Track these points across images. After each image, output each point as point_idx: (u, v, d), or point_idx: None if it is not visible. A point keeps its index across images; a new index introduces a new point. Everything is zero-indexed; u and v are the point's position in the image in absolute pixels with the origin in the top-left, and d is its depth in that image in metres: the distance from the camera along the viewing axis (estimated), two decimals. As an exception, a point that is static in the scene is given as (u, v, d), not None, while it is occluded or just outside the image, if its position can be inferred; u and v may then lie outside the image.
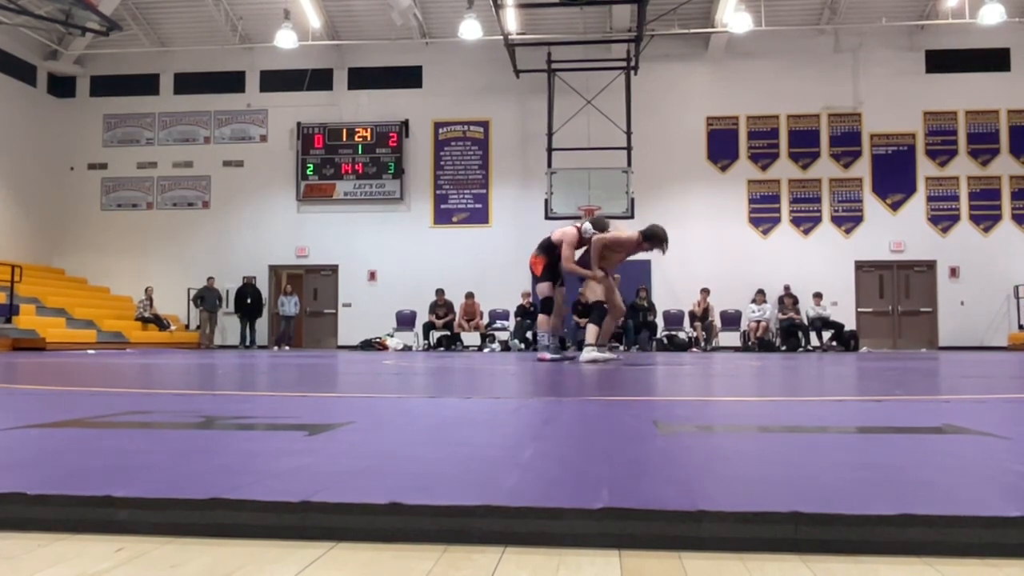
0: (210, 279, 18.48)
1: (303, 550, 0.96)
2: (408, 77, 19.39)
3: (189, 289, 18.79)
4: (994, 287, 17.75)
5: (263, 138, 19.67)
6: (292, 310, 18.23)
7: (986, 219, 18.10)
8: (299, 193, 19.29)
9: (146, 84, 19.95)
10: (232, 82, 19.76)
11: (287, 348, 17.41)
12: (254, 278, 18.72)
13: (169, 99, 19.95)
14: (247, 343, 18.10)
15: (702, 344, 16.46)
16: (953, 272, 18.06)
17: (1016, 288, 17.67)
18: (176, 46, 19.45)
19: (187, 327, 18.88)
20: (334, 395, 3.45)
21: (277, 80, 19.56)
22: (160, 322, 17.93)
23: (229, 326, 18.80)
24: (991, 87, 18.14)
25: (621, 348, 15.32)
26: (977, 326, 17.78)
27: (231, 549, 0.97)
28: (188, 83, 19.90)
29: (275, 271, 19.55)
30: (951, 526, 0.93)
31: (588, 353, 7.31)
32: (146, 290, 18.21)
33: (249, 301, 18.25)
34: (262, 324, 18.76)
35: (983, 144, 18.22)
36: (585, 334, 7.63)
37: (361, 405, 2.82)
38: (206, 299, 18.28)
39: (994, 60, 18.16)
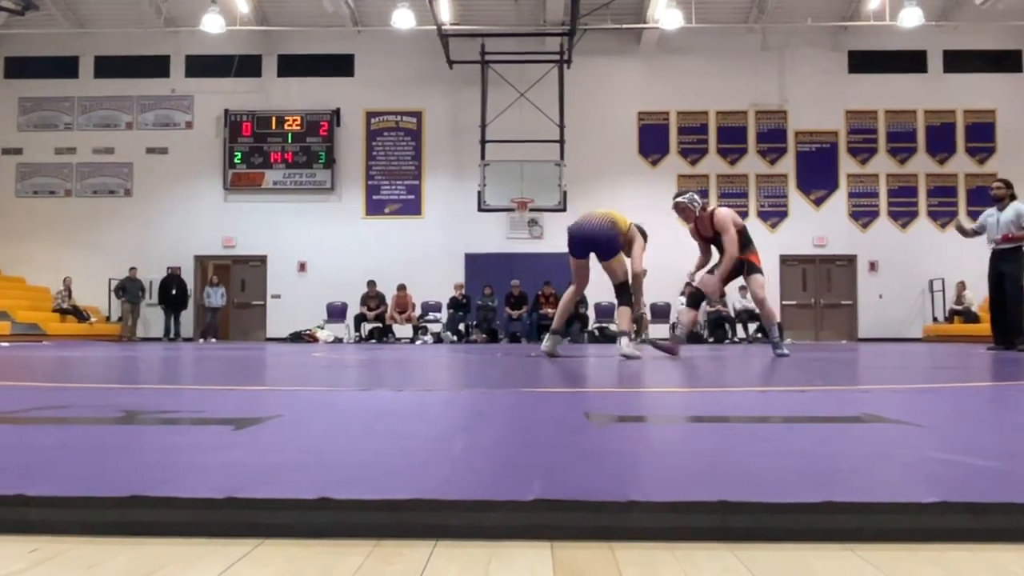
0: (132, 269, 17.93)
1: (228, 547, 0.93)
2: (340, 65, 19.12)
3: (110, 280, 18.20)
4: (910, 281, 18.44)
5: (188, 125, 19.15)
6: (218, 302, 17.83)
7: (904, 215, 18.77)
8: (226, 182, 18.85)
9: (65, 67, 19.21)
10: (156, 66, 19.17)
11: (213, 340, 17.02)
12: (179, 268, 18.23)
13: (89, 83, 19.25)
14: (171, 335, 17.63)
15: (632, 336, 16.65)
16: (872, 266, 18.70)
17: (931, 282, 18.39)
18: (96, 28, 18.74)
19: (108, 319, 18.30)
20: (262, 388, 3.38)
21: (203, 65, 19.05)
22: (79, 314, 17.34)
23: (152, 318, 18.27)
24: (909, 88, 18.81)
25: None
26: (894, 318, 18.45)
27: (152, 548, 0.94)
28: (109, 66, 19.23)
29: (201, 261, 19.08)
30: (872, 512, 0.96)
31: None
32: (64, 280, 17.58)
33: (174, 292, 17.77)
34: (187, 316, 18.28)
35: (901, 143, 18.89)
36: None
37: (289, 398, 2.77)
38: (128, 290, 17.73)
39: (913, 62, 18.82)
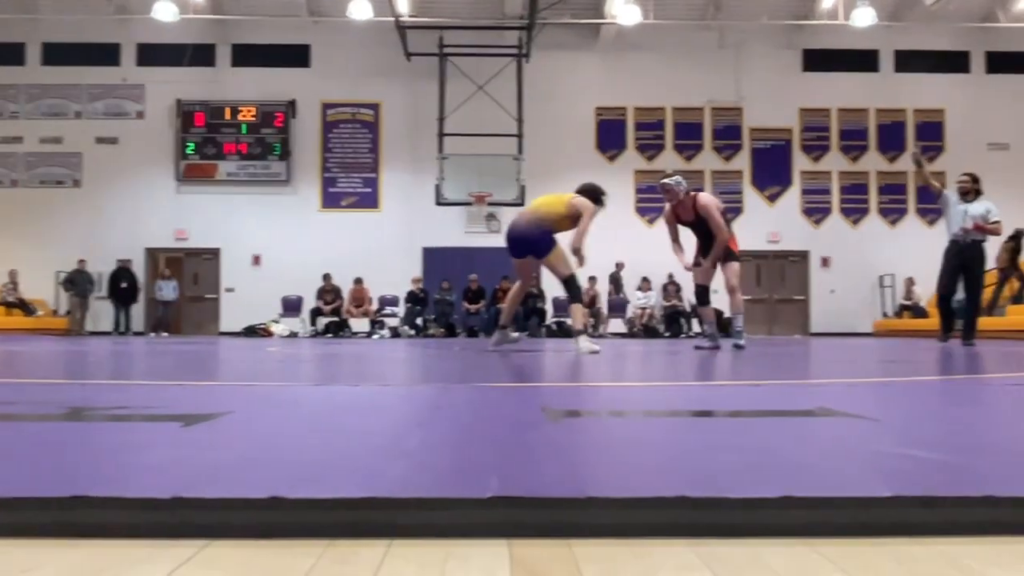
0: (81, 262, 17.52)
1: (174, 549, 0.90)
2: (295, 56, 18.87)
3: (58, 272, 17.78)
4: (861, 277, 18.81)
5: (140, 114, 18.76)
6: (170, 295, 17.51)
7: (855, 212, 19.13)
8: (178, 173, 18.52)
9: (10, 53, 18.67)
10: (106, 54, 18.74)
11: (165, 335, 16.72)
12: (129, 261, 17.85)
13: (36, 70, 18.75)
14: (121, 329, 17.28)
15: (589, 330, 16.75)
16: (824, 262, 19.03)
17: (881, 278, 18.78)
18: (44, 14, 18.26)
19: (56, 312, 17.88)
20: (213, 383, 3.32)
21: (155, 54, 18.67)
22: (26, 307, 16.92)
23: (102, 311, 17.89)
24: (862, 87, 19.16)
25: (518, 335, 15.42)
26: (845, 313, 18.80)
27: (94, 550, 0.90)
28: (57, 54, 18.74)
29: (152, 254, 18.72)
30: (829, 507, 0.96)
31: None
32: (10, 273, 17.13)
33: (124, 285, 17.41)
34: (138, 310, 17.92)
35: (853, 141, 19.24)
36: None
37: (242, 394, 2.72)
38: (77, 283, 17.33)
39: (865, 61, 19.17)
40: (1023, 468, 1.23)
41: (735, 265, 7.05)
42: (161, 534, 0.94)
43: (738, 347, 6.74)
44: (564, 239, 6.53)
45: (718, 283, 7.20)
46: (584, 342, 6.13)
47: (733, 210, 18.86)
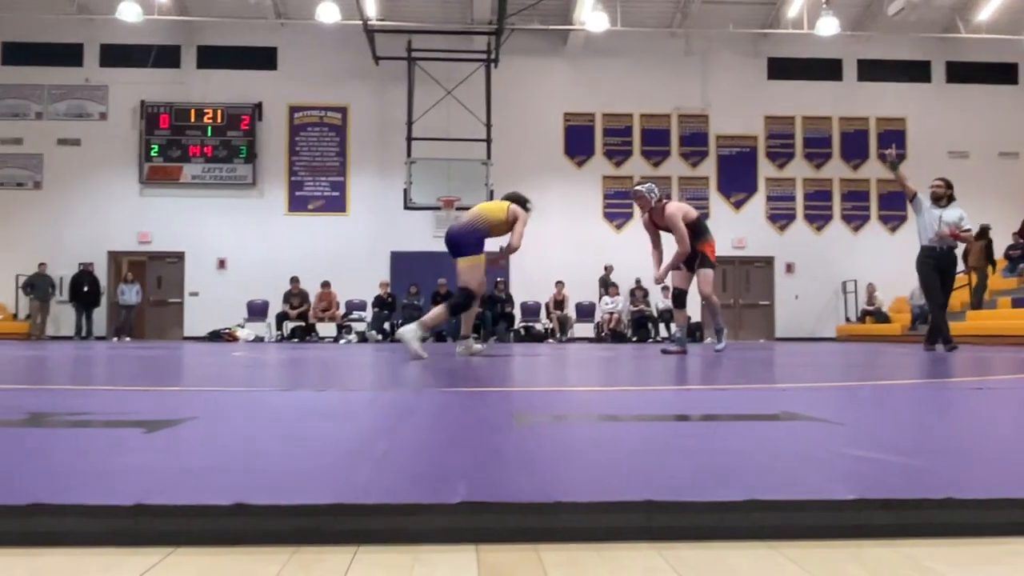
0: (42, 265, 17.21)
1: (137, 557, 0.89)
2: (262, 58, 18.72)
3: (18, 276, 17.44)
4: (824, 282, 19.07)
5: (103, 116, 18.48)
6: (133, 299, 17.25)
7: (819, 219, 19.39)
8: (142, 175, 18.26)
9: (-31, 52, 18.33)
10: (69, 55, 18.44)
11: (127, 339, 16.46)
12: (91, 265, 17.58)
13: (-4, 70, 18.41)
14: (83, 334, 16.99)
15: (558, 335, 16.80)
16: (789, 268, 19.26)
17: (844, 284, 19.05)
18: (5, 12, 17.92)
19: (15, 317, 17.53)
20: (177, 389, 3.28)
21: (119, 55, 18.41)
22: (-17, 311, 16.56)
23: (63, 316, 17.58)
24: (825, 95, 19.45)
25: (480, 342, 15.37)
26: (809, 318, 19.04)
27: (54, 559, 0.89)
28: (18, 53, 18.42)
29: (115, 257, 18.44)
30: (794, 510, 0.97)
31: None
32: (-33, 276, 16.76)
33: (86, 289, 17.13)
34: (100, 314, 17.63)
35: (817, 148, 19.51)
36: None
37: (206, 399, 2.68)
38: (37, 286, 17.02)
39: (829, 70, 19.47)
40: (981, 471, 1.25)
41: (709, 273, 7.13)
42: (123, 542, 0.93)
43: (719, 351, 6.81)
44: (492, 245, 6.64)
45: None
46: (409, 333, 5.93)
47: (700, 216, 19.04)
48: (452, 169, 16.42)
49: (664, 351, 7.37)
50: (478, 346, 7.06)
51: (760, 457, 1.35)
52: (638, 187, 7.21)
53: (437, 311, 6.25)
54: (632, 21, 18.21)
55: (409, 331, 5.95)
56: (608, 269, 17.64)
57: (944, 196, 8.21)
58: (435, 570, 0.86)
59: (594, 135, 19.18)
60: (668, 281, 7.37)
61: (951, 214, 8.07)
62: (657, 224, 7.27)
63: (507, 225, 6.50)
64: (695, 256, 7.15)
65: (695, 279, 7.17)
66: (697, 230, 7.14)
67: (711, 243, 7.24)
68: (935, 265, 8.16)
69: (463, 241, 6.40)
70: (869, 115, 19.56)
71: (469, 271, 6.36)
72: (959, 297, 16.47)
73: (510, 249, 6.57)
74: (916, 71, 19.65)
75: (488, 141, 16.81)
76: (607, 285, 17.39)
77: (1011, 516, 0.98)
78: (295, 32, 18.54)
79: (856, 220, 19.40)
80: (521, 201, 6.70)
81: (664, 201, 7.19)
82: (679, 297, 7.28)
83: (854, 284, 18.88)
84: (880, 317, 17.75)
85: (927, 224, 8.18)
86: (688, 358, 6.37)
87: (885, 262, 18.74)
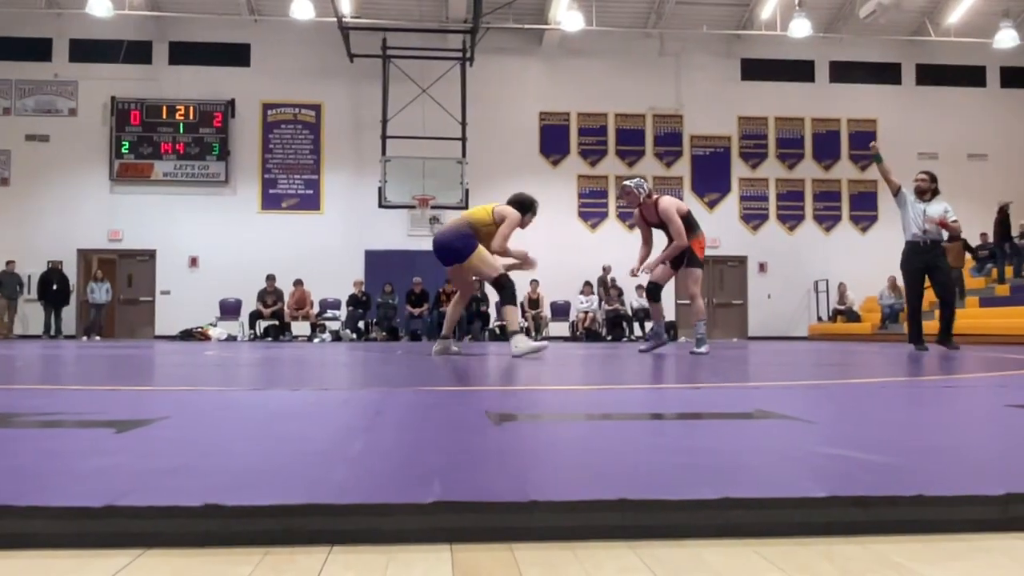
0: (10, 263, 16.94)
1: (106, 559, 0.88)
2: (235, 55, 18.56)
3: (-16, 274, 17.16)
4: (797, 282, 19.26)
5: (72, 112, 18.23)
6: (103, 297, 17.03)
7: (791, 219, 19.58)
8: (113, 172, 18.04)
9: (-67, 46, 18.00)
10: (38, 49, 18.16)
11: (97, 338, 16.26)
12: (60, 263, 17.34)
13: (-39, 64, 18.10)
14: (52, 333, 16.76)
15: (533, 334, 16.81)
16: (761, 267, 19.42)
17: (816, 283, 19.25)
18: (-30, 6, 17.64)
19: (-19, 315, 17.24)
20: (148, 388, 3.24)
21: (89, 50, 18.16)
22: (-51, 310, 16.28)
23: (31, 314, 17.32)
24: (798, 96, 19.64)
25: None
26: (782, 317, 19.22)
27: (20, 562, 0.87)
28: (-15, 48, 18.13)
29: (84, 255, 18.20)
30: (767, 508, 0.98)
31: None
32: (-66, 274, 16.46)
33: (55, 287, 16.89)
34: (69, 312, 17.40)
35: (790, 149, 19.70)
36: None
37: (178, 399, 2.66)
38: (5, 285, 16.74)
39: (801, 71, 19.66)
40: (951, 468, 1.26)
41: (696, 272, 7.00)
42: (93, 544, 0.92)
43: (696, 354, 6.58)
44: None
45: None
46: (521, 341, 6.02)
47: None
48: (427, 168, 16.38)
49: (641, 350, 7.31)
50: (455, 347, 7.03)
51: (734, 455, 1.36)
52: (626, 183, 7.07)
53: (510, 311, 6.26)
54: (607, 21, 18.27)
55: (518, 342, 5.99)
56: (607, 270, 17.62)
57: (928, 190, 8.06)
58: (409, 570, 0.85)
59: (569, 134, 19.23)
60: (642, 277, 7.24)
61: (935, 208, 7.94)
62: (648, 220, 7.12)
63: (495, 227, 6.34)
64: (682, 254, 7.00)
65: (682, 278, 7.06)
66: (688, 225, 7.00)
67: (700, 239, 7.09)
68: (920, 262, 7.95)
69: (452, 246, 6.29)
70: (841, 116, 19.78)
71: (481, 266, 6.30)
72: (928, 297, 16.71)
73: (497, 253, 6.34)
74: (887, 73, 19.90)
75: (463, 140, 16.80)
76: (607, 286, 17.32)
77: (979, 513, 1.00)
78: (268, 29, 18.40)
79: (828, 220, 19.60)
80: (520, 202, 6.50)
81: (655, 196, 7.05)
82: (654, 291, 7.15)
83: (825, 283, 19.08)
84: (851, 316, 17.97)
85: (911, 219, 8.01)
86: (663, 356, 6.40)
87: (856, 262, 18.98)
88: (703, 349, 6.72)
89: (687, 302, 17.93)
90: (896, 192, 8.21)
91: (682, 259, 7.04)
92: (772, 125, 19.68)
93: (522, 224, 6.49)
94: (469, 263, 6.26)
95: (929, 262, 7.94)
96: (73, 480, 1.12)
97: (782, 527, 0.97)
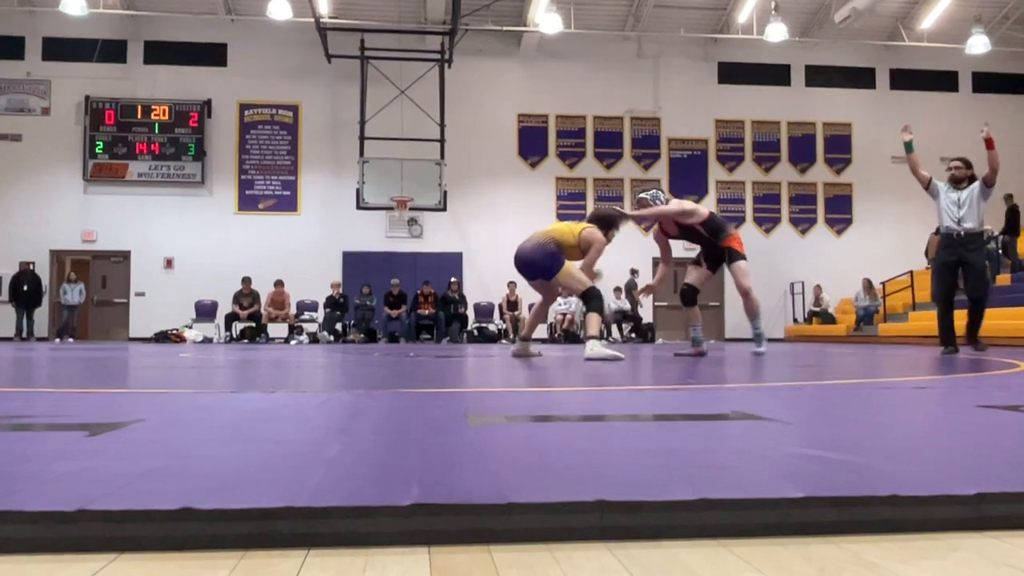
0: (-20, 264, 16.71)
1: (78, 564, 0.87)
2: (211, 54, 18.41)
3: (-45, 275, 16.92)
4: (773, 284, 19.37)
5: (45, 111, 18.00)
6: (76, 299, 16.82)
7: (767, 221, 19.72)
8: (86, 172, 17.83)
9: (-97, 43, 17.71)
10: (9, 47, 17.93)
11: (70, 340, 16.06)
12: (32, 264, 17.10)
13: (-69, 62, 17.82)
14: (24, 334, 16.52)
15: (511, 336, 16.81)
16: (739, 269, 19.51)
17: (791, 285, 19.39)
18: (-60, 3, 17.37)
19: (-49, 317, 16.98)
20: (122, 391, 3.21)
21: (63, 48, 17.95)
22: (-82, 311, 16.00)
23: (3, 316, 17.07)
24: (774, 100, 19.79)
25: (539, 350, 15.32)
26: (758, 319, 19.32)
27: (-9, 567, 0.86)
28: (-44, 46, 17.86)
29: (57, 256, 17.98)
30: (744, 509, 0.98)
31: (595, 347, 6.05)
32: (-99, 275, 16.19)
33: (26, 289, 16.66)
34: (41, 314, 17.16)
35: (766, 152, 19.85)
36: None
37: (152, 401, 2.63)
38: (-25, 286, 16.51)
39: (777, 75, 19.82)
40: (924, 469, 1.28)
41: (743, 266, 6.71)
42: (65, 548, 0.90)
43: (757, 354, 6.30)
44: None
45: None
46: (596, 347, 5.98)
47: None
48: (405, 169, 16.34)
49: (677, 354, 7.06)
50: (535, 350, 6.92)
51: (711, 456, 1.37)
52: (642, 194, 6.75)
53: (594, 318, 6.21)
54: (585, 23, 18.32)
55: (594, 347, 5.93)
56: (634, 273, 17.62)
57: (965, 178, 7.40)
58: (387, 573, 0.85)
59: (547, 136, 19.25)
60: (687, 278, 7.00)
61: (973, 196, 7.30)
62: (668, 233, 6.81)
63: (579, 251, 6.30)
64: (720, 255, 6.75)
65: (732, 275, 6.79)
66: (714, 227, 6.70)
67: (735, 236, 6.77)
68: (953, 255, 7.35)
69: (541, 262, 6.25)
70: (816, 120, 19.97)
71: (571, 282, 6.27)
72: (902, 299, 16.91)
73: (584, 268, 6.32)
74: (861, 77, 20.11)
75: (442, 141, 16.77)
76: (631, 290, 17.24)
77: (952, 512, 1.01)
78: (245, 28, 18.28)
79: (803, 223, 19.77)
80: (602, 219, 6.47)
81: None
82: (688, 294, 6.89)
83: (801, 285, 19.23)
84: (826, 318, 18.13)
85: (944, 209, 7.41)
86: (639, 359, 6.42)
87: (831, 264, 19.15)
88: (763, 348, 6.42)
89: (663, 304, 18.03)
90: (927, 185, 7.55)
91: (721, 259, 6.79)
92: (749, 128, 19.82)
93: (608, 239, 6.48)
94: (557, 280, 6.25)
95: (963, 256, 7.31)
96: (45, 484, 1.11)
97: (759, 527, 0.97)
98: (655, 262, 18.80)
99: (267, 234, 18.08)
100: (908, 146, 7.55)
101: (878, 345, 13.20)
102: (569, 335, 16.85)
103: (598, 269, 6.48)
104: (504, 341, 16.38)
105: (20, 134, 17.89)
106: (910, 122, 8.22)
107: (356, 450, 1.46)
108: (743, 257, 6.73)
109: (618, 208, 6.98)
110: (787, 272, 19.32)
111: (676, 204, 6.79)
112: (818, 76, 19.94)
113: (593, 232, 6.35)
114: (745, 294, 6.70)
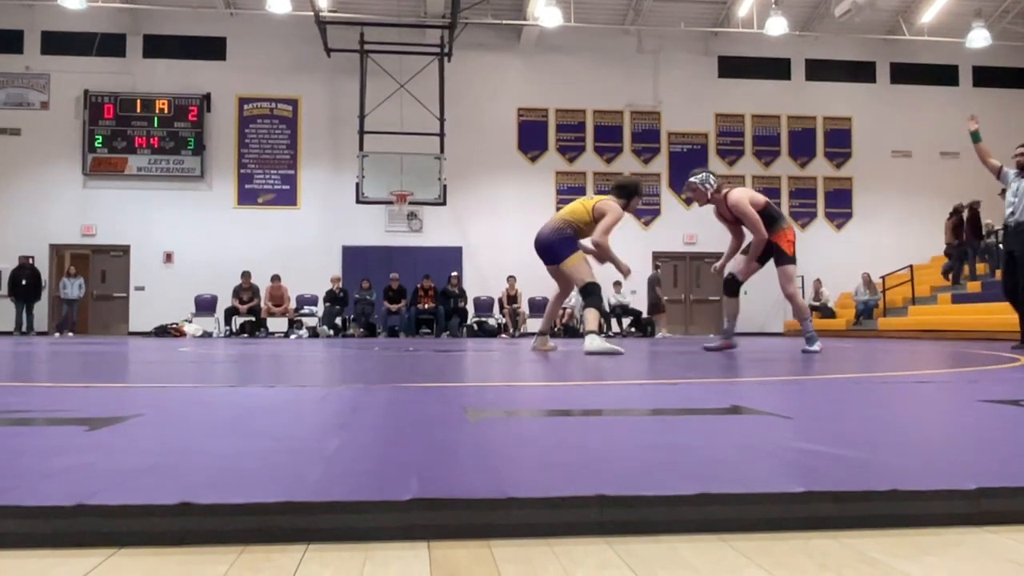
0: (-20, 258, 16.71)
1: (77, 559, 0.86)
2: (211, 48, 18.39)
3: (-46, 269, 16.92)
4: (773, 278, 19.23)
5: (44, 105, 17.98)
6: (76, 293, 16.83)
7: (767, 215, 19.69)
8: (86, 167, 17.82)
9: (-98, 37, 17.68)
10: (8, 41, 17.91)
11: (70, 334, 16.07)
12: (32, 258, 17.10)
13: (-70, 56, 17.80)
14: (23, 329, 16.53)
15: (510, 330, 16.81)
16: (738, 264, 19.52)
17: (791, 279, 19.37)
18: (-61, -3, 17.34)
19: (-49, 311, 16.99)
20: (121, 385, 3.20)
21: (62, 42, 17.92)
22: (-83, 305, 16.01)
23: (2, 311, 17.07)
24: (774, 94, 19.77)
25: (555, 344, 15.32)
26: (757, 314, 19.30)
27: (-10, 562, 0.86)
28: (-45, 40, 17.83)
29: (57, 251, 17.98)
30: (745, 503, 0.98)
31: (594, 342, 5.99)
32: (-99, 269, 16.19)
33: (25, 283, 16.65)
34: (41, 308, 17.17)
35: (766, 146, 19.83)
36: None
37: (152, 396, 2.63)
38: (-26, 280, 16.52)
39: (777, 69, 19.79)
40: (925, 463, 1.28)
41: (789, 269, 6.44)
42: (64, 543, 0.90)
43: (808, 352, 6.11)
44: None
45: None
46: (595, 341, 5.95)
47: (651, 212, 19.22)
48: (405, 163, 16.32)
49: (706, 347, 6.95)
50: (552, 343, 6.95)
51: (711, 451, 1.36)
52: (692, 179, 6.46)
53: (593, 314, 6.17)
54: (585, 17, 18.29)
55: (593, 341, 5.92)
56: (657, 267, 17.66)
57: None
58: (386, 568, 0.85)
59: (547, 131, 19.23)
60: (735, 267, 6.68)
61: None
62: (724, 217, 6.58)
63: (595, 224, 6.24)
64: (768, 250, 6.48)
65: (779, 277, 6.50)
66: (768, 218, 6.39)
67: (786, 232, 6.44)
68: (1014, 244, 7.04)
69: (554, 247, 6.28)
70: (816, 114, 19.94)
71: (575, 270, 6.27)
72: (901, 294, 16.91)
73: (593, 244, 6.22)
74: (861, 71, 20.08)
75: (441, 135, 16.75)
76: (652, 285, 17.24)
77: (952, 507, 1.01)
78: (245, 22, 18.25)
79: (803, 217, 19.76)
80: (622, 186, 6.37)
81: (725, 191, 6.47)
82: (731, 286, 6.68)
83: (801, 280, 19.22)
84: (826, 312, 18.13)
85: (1009, 197, 7.10)
86: (636, 353, 6.41)
87: (831, 258, 19.15)
88: (816, 347, 6.22)
89: (664, 298, 17.99)
90: (998, 173, 7.21)
91: (768, 255, 6.52)
92: (749, 122, 19.80)
93: (628, 208, 6.40)
94: (563, 266, 6.26)
95: (1016, 248, 7.02)
96: (43, 479, 1.11)
97: (759, 522, 0.97)
98: (655, 256, 18.80)
99: (267, 228, 18.08)
100: (975, 135, 7.17)
101: (878, 339, 13.20)
102: (568, 329, 16.85)
103: (627, 265, 6.46)
104: (504, 335, 16.38)
105: (19, 128, 17.88)
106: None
107: (356, 445, 1.45)
108: (792, 260, 6.47)
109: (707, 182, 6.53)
110: (787, 266, 19.30)
111: (744, 195, 6.41)
112: (818, 70, 19.91)
113: (607, 202, 6.30)
114: (789, 298, 6.55)
